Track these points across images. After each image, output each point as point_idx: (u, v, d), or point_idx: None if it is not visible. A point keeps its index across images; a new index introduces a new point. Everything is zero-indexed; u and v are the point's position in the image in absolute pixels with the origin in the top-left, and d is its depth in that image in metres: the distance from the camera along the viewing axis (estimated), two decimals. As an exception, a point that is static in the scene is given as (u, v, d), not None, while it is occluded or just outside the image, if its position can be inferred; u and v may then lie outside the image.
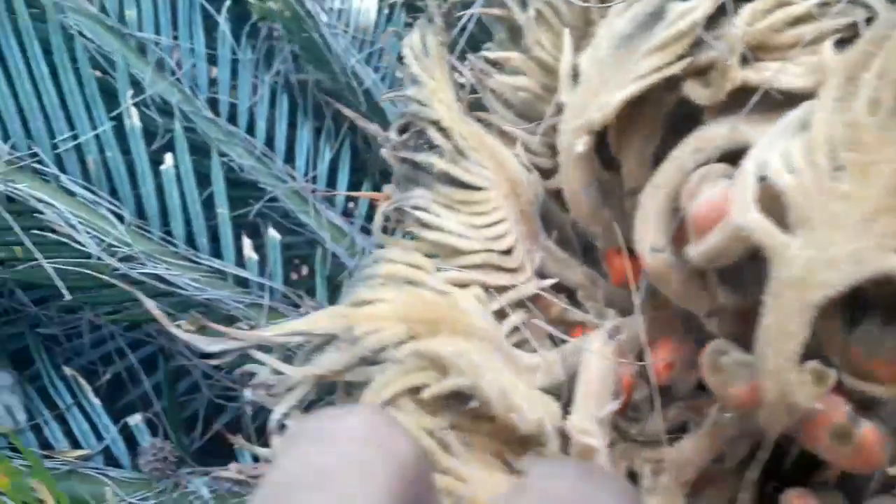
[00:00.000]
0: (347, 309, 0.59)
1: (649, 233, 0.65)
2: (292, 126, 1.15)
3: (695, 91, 0.63)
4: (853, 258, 0.48)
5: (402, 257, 0.66)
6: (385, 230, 0.80)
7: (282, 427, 0.60)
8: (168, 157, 0.91)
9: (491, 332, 0.66)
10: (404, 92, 0.71)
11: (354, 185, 1.23)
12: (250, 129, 1.12)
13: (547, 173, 0.86)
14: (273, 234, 0.97)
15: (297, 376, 0.58)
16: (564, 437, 0.64)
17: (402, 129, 0.74)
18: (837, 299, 0.49)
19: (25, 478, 0.78)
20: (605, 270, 0.86)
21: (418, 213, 0.73)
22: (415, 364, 0.52)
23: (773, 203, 0.52)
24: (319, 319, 0.58)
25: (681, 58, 0.60)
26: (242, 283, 0.95)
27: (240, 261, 0.96)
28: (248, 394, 0.61)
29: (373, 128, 0.79)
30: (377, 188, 1.23)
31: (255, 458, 1.03)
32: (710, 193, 0.59)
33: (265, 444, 1.09)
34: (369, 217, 1.17)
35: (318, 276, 1.00)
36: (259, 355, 0.59)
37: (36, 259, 0.78)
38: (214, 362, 1.12)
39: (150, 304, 0.58)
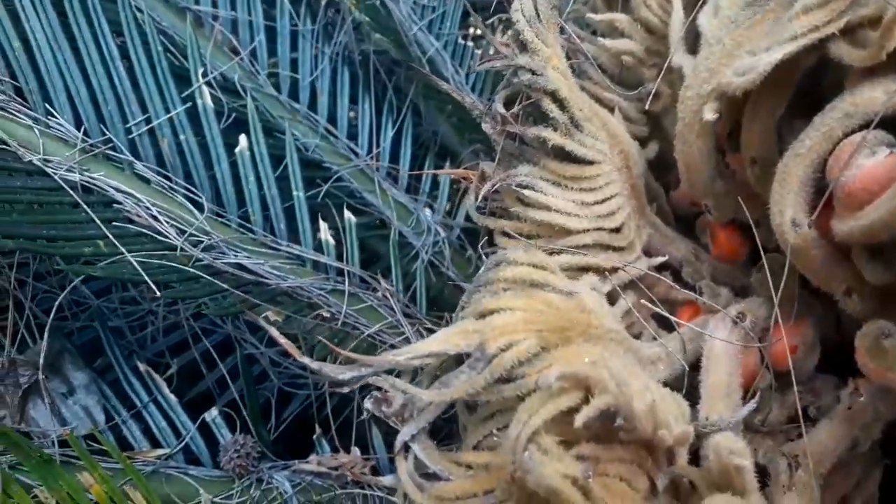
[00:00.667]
0: (477, 324, 0.54)
1: (789, 206, 0.60)
2: (353, 101, 1.10)
3: (846, 52, 0.57)
4: None
5: (525, 258, 0.61)
6: (479, 210, 0.76)
7: (406, 448, 0.57)
8: (242, 139, 0.86)
9: (619, 332, 0.61)
10: (515, 60, 0.66)
11: (416, 161, 1.18)
12: (312, 106, 1.07)
13: (641, 142, 0.82)
14: (350, 216, 0.92)
15: (430, 399, 0.54)
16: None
17: (509, 101, 0.69)
18: None
19: (116, 482, 0.75)
20: (706, 244, 0.83)
21: (526, 192, 0.68)
22: (557, 385, 0.48)
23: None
24: (451, 338, 0.54)
25: (841, 15, 0.54)
26: (317, 266, 0.91)
27: (315, 245, 0.92)
28: (368, 405, 0.57)
29: (469, 100, 0.74)
30: (438, 166, 1.19)
31: (335, 449, 1.00)
32: (869, 163, 0.54)
33: (342, 433, 1.07)
34: (433, 193, 1.13)
35: (392, 257, 0.96)
36: (388, 379, 0.54)
37: (120, 253, 0.74)
38: (281, 349, 1.09)
39: (276, 333, 0.54)
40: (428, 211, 1.10)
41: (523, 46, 0.67)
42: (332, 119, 1.09)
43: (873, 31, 0.56)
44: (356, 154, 1.08)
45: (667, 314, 0.72)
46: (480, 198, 0.70)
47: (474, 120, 0.75)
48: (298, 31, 1.08)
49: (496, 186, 0.70)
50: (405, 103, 1.12)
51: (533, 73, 0.65)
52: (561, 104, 0.66)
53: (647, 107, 0.78)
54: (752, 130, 0.68)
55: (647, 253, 0.76)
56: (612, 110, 0.77)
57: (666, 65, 0.75)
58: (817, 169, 0.59)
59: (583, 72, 0.80)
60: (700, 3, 0.72)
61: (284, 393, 1.08)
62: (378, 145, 1.08)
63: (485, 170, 0.73)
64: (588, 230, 0.70)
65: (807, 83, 0.66)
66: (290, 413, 1.06)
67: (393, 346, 0.91)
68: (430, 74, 0.81)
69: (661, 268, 0.79)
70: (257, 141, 0.88)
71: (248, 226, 0.88)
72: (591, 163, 0.69)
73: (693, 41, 0.75)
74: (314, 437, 0.95)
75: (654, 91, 0.79)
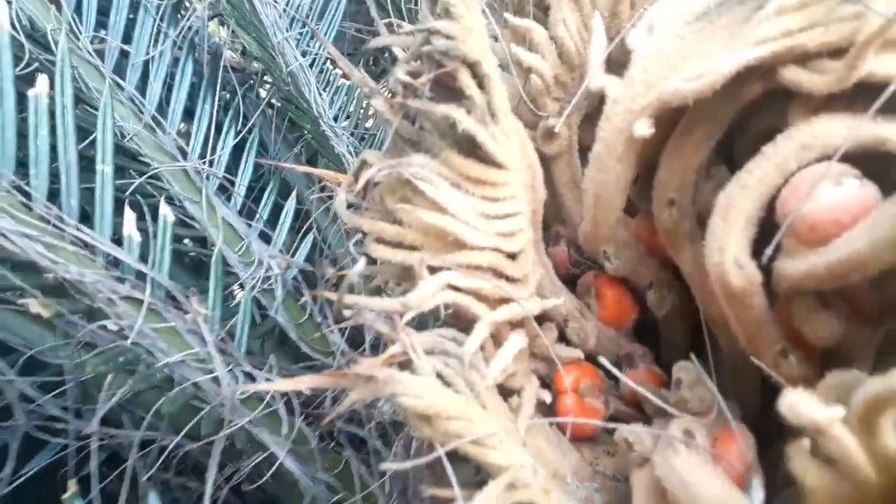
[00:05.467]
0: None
1: (733, 243, 0.51)
2: (192, 97, 0.92)
3: (805, 78, 0.51)
4: None
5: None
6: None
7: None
8: (41, 81, 0.65)
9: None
10: (428, 24, 0.54)
11: (253, 191, 1.01)
12: (141, 89, 0.88)
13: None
14: (166, 211, 0.72)
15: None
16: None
17: (415, 74, 0.56)
18: None
19: None
20: (589, 303, 0.73)
21: (419, 185, 0.55)
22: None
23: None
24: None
25: (816, 24, 0.48)
26: (116, 266, 0.70)
27: (114, 239, 0.71)
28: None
29: (357, 76, 0.60)
30: (278, 204, 1.03)
31: (87, 509, 0.75)
32: (838, 192, 0.47)
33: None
34: (272, 222, 0.96)
35: (213, 278, 0.77)
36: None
37: None
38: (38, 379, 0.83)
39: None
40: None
41: (442, 13, 0.55)
42: (161, 110, 0.90)
43: (833, 61, 0.51)
44: (185, 155, 0.89)
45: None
46: (362, 183, 0.55)
47: (329, 154, 0.61)
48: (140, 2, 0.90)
49: (381, 175, 0.56)
50: (253, 115, 0.96)
51: (450, 38, 0.53)
52: (481, 82, 0.54)
53: (537, 137, 0.69)
54: (674, 168, 0.60)
55: (538, 295, 0.65)
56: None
57: (581, 90, 0.67)
58: (765, 204, 0.51)
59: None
60: (627, 27, 0.65)
61: (33, 439, 0.81)
62: (213, 151, 0.90)
63: (367, 158, 0.59)
64: (484, 248, 0.57)
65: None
66: (35, 466, 0.79)
67: (196, 385, 0.71)
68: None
69: (543, 321, 0.68)
70: (62, 90, 0.68)
71: (27, 190, 0.66)
72: (499, 166, 0.57)
73: (613, 71, 0.68)
74: (65, 496, 0.70)
75: (551, 128, 0.71)
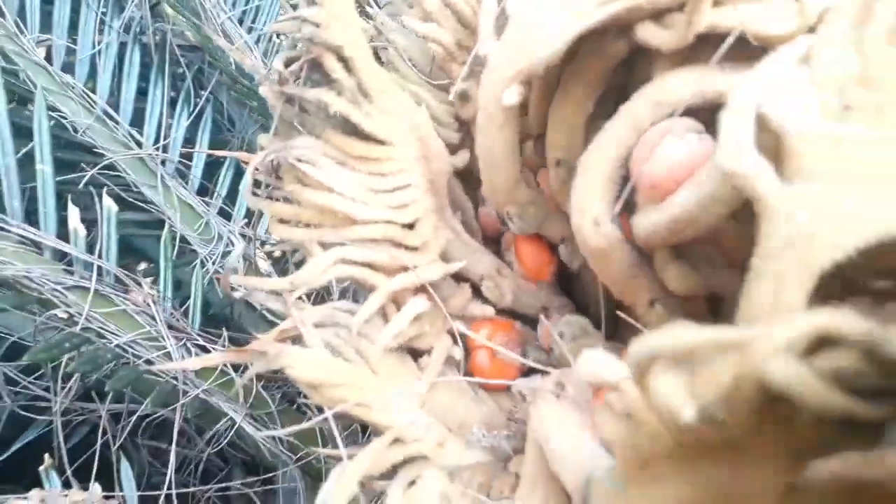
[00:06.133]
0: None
1: (592, 203, 0.54)
2: (143, 84, 0.96)
3: (652, 34, 0.52)
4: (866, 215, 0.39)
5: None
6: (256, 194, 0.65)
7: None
8: (-26, 91, 0.70)
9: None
10: (298, 12, 0.56)
11: (213, 165, 1.05)
12: (90, 83, 0.92)
13: (451, 149, 0.75)
14: (109, 203, 0.77)
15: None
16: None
17: (290, 61, 0.59)
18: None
19: None
20: (510, 260, 0.76)
21: (304, 168, 0.58)
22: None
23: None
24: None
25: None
26: (64, 260, 0.75)
27: (62, 234, 0.76)
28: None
29: (249, 62, 0.63)
30: (240, 173, 1.07)
31: (66, 484, 0.82)
32: (675, 149, 0.49)
33: (82, 471, 0.89)
34: (231, 198, 1.00)
35: (163, 259, 0.82)
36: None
37: None
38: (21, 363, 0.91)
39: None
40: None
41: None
42: (113, 102, 0.94)
43: (683, 14, 0.52)
44: (139, 144, 0.93)
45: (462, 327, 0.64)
46: (251, 170, 0.58)
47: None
48: (82, -4, 0.93)
49: (271, 158, 0.59)
50: (205, 96, 1.00)
51: (316, 25, 0.56)
52: (347, 64, 0.56)
53: (453, 101, 0.71)
54: (555, 130, 0.62)
55: (445, 259, 0.68)
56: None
57: (471, 57, 0.69)
58: (623, 163, 0.53)
59: (389, 63, 0.73)
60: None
61: (19, 418, 0.89)
62: (166, 137, 0.94)
63: (260, 143, 0.62)
64: (377, 221, 0.60)
65: (615, 90, 0.62)
66: (22, 441, 0.87)
67: (149, 362, 0.76)
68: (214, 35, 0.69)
69: (460, 280, 0.71)
70: (-6, 97, 0.72)
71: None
72: (381, 142, 0.60)
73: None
74: (41, 468, 0.77)
75: (463, 91, 0.73)
